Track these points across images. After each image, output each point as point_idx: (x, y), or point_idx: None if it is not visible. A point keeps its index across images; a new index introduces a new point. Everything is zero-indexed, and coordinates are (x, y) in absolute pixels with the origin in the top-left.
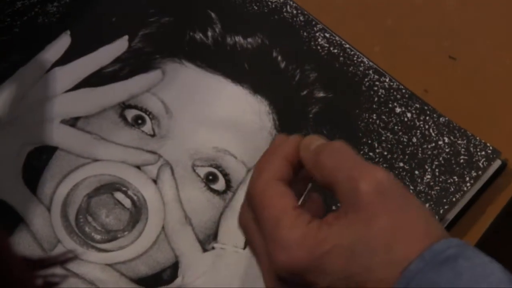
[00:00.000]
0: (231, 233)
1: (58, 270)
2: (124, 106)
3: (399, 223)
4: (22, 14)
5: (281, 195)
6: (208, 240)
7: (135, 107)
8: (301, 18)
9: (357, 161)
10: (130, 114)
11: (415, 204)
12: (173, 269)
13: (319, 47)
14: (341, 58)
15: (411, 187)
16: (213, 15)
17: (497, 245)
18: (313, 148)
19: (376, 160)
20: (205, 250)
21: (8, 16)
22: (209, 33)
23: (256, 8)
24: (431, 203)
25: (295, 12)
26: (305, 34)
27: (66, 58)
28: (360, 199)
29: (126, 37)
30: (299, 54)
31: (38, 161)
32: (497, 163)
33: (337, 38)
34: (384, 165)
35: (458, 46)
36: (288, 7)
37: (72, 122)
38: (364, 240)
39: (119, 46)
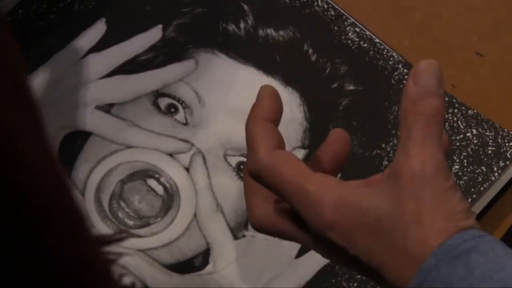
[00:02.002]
0: None
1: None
2: (158, 94)
3: (423, 214)
4: (58, 0)
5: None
6: (239, 228)
7: (168, 95)
8: (332, 12)
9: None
10: (163, 102)
11: (446, 193)
12: (204, 256)
13: (349, 41)
14: (371, 52)
15: None
16: (245, 7)
17: None
18: None
19: None
20: (236, 237)
21: (44, 2)
22: (242, 25)
23: (287, 1)
24: None
25: (326, 6)
26: (335, 28)
27: (101, 45)
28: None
29: (160, 26)
30: (329, 47)
31: (72, 146)
32: None
33: (367, 33)
34: None
35: (486, 42)
36: (319, 1)
37: (107, 108)
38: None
39: (153, 34)
